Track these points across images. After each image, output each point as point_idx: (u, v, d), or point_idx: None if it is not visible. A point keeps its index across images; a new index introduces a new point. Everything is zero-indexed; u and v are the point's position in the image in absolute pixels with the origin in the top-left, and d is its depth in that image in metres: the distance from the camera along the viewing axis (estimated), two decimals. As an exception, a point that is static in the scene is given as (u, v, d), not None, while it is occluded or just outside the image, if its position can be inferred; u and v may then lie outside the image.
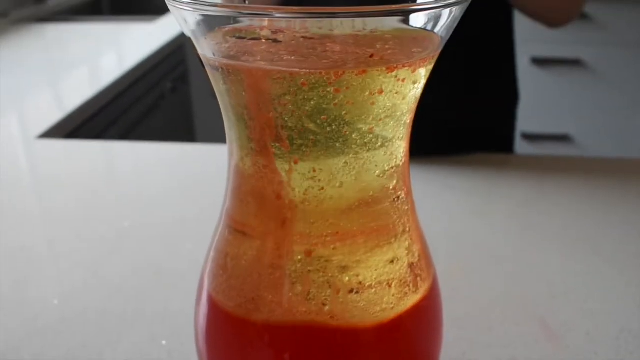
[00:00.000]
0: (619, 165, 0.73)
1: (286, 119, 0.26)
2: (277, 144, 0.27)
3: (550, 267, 0.54)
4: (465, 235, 0.59)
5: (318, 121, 0.26)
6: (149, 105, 1.55)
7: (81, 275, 0.53)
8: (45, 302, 0.50)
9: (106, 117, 1.29)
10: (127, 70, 1.37)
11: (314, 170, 0.27)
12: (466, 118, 0.80)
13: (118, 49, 1.59)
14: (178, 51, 1.72)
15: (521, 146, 2.03)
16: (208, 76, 0.29)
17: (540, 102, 2.05)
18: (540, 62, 2.03)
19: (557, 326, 0.46)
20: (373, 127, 0.27)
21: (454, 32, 0.28)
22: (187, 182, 0.71)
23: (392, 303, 0.30)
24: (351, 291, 0.29)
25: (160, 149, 0.81)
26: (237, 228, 0.31)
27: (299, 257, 0.28)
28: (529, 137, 2.10)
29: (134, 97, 1.45)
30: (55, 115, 1.05)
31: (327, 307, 0.29)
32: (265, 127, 0.27)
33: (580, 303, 0.49)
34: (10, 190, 0.70)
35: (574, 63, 2.02)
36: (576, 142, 2.11)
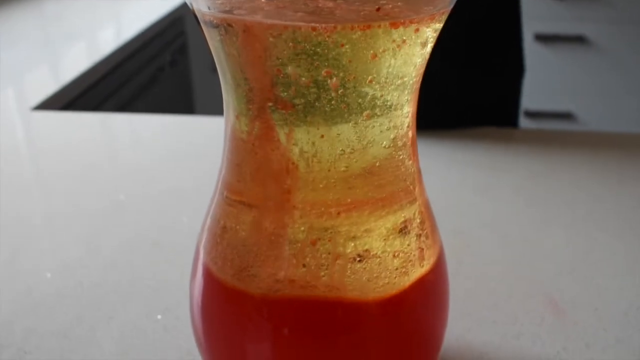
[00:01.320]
0: (626, 139, 0.72)
1: (284, 77, 0.25)
2: (275, 106, 0.25)
3: (556, 243, 0.52)
4: (470, 210, 0.57)
5: (318, 80, 0.24)
6: (148, 77, 1.53)
7: (75, 248, 0.52)
8: (39, 275, 0.49)
9: (104, 89, 1.27)
10: (125, 42, 1.35)
11: (315, 135, 0.26)
12: (472, 91, 0.78)
13: (116, 20, 1.57)
14: (177, 23, 1.69)
15: (523, 124, 1.99)
16: (208, 48, 0.27)
17: (543, 79, 2.02)
18: (543, 38, 2.00)
19: (564, 302, 0.45)
20: (378, 90, 0.25)
21: (459, 1, 0.27)
22: (184, 154, 0.70)
23: (396, 276, 0.28)
24: (354, 263, 0.27)
25: (156, 121, 0.79)
26: (234, 197, 0.29)
27: (300, 227, 0.27)
28: (532, 115, 2.08)
29: (133, 70, 1.43)
30: (51, 87, 1.03)
31: (328, 279, 0.27)
32: (262, 87, 0.25)
33: (588, 279, 0.48)
34: (5, 161, 0.69)
35: (578, 40, 2.00)
36: (579, 119, 2.09)
